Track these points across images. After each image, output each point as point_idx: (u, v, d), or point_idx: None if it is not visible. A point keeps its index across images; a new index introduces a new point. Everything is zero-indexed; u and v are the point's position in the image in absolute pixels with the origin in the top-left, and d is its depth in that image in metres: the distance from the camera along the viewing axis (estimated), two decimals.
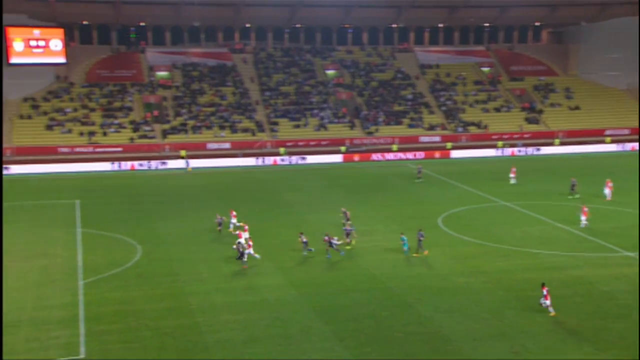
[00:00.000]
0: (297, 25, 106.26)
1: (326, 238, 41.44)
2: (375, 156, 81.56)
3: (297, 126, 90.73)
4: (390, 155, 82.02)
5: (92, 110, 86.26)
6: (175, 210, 54.09)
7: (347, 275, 38.54)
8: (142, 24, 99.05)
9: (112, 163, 73.02)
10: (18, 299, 34.16)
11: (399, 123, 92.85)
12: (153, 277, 37.73)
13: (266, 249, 42.70)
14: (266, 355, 28.73)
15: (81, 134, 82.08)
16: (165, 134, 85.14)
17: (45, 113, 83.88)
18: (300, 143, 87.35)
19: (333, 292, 35.94)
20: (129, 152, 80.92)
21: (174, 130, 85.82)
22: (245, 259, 39.58)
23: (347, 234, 43.51)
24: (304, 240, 41.91)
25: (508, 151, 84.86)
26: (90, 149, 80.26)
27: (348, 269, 39.69)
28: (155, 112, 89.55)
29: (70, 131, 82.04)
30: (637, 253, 41.27)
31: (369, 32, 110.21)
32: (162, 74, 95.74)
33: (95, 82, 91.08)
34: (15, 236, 45.36)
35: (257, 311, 33.50)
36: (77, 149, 79.85)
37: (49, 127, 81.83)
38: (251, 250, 40.31)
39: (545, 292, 32.00)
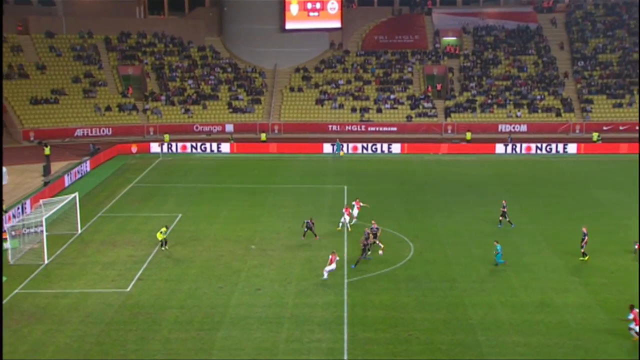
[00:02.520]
0: None
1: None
2: None
3: (619, 105, 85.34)
4: None
5: (367, 82, 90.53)
6: (456, 203, 54.55)
7: None
8: None
9: (383, 144, 75.87)
10: (280, 293, 37.32)
11: None
12: (427, 282, 38.51)
13: (566, 259, 41.07)
14: None
15: (353, 109, 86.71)
16: (448, 112, 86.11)
17: (316, 85, 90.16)
18: (621, 127, 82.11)
19: None
20: (404, 133, 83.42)
21: (459, 108, 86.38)
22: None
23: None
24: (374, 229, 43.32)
25: None
26: (362, 128, 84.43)
27: None
28: (438, 86, 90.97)
29: (341, 106, 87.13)
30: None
31: None
32: (449, 39, 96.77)
33: (372, 49, 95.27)
34: (280, 223, 49.53)
35: (554, 335, 32.51)
36: (348, 127, 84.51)
37: (320, 102, 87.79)
38: (331, 267, 39.16)
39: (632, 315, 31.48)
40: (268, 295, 37.02)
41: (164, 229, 43.99)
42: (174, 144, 75.12)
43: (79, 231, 47.29)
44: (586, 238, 41.67)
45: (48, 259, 41.87)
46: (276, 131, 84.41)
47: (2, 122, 76.13)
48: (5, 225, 44.87)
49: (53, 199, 49.10)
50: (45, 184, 58.84)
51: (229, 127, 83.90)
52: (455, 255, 42.94)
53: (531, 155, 73.69)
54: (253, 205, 54.06)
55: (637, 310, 31.99)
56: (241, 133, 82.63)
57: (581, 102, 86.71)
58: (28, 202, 51.32)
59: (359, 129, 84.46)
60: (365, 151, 74.96)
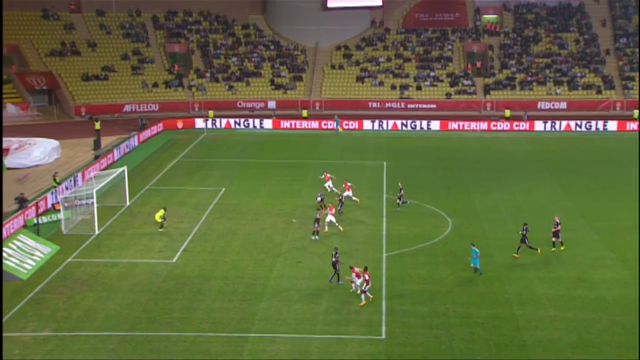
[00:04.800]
0: None
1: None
2: None
3: None
4: None
5: (407, 60, 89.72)
6: (494, 180, 54.07)
7: None
8: None
9: (422, 121, 75.19)
10: (320, 266, 37.51)
11: None
12: (464, 256, 38.30)
13: (606, 236, 40.62)
14: None
15: (393, 87, 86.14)
16: (487, 89, 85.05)
17: (357, 63, 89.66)
18: None
19: None
20: (444, 110, 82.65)
21: (498, 86, 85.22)
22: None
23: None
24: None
25: None
26: (402, 105, 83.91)
27: None
28: (478, 64, 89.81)
29: (381, 84, 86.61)
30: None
31: None
32: (489, 17, 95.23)
33: (412, 27, 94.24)
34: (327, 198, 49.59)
35: (590, 310, 32.25)
36: (388, 104, 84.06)
37: (360, 79, 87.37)
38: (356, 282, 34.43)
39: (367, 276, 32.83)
40: (308, 268, 37.28)
41: (162, 211, 43.24)
42: (218, 120, 75.57)
43: (128, 203, 48.07)
44: (559, 227, 39.35)
45: (98, 229, 42.72)
46: (317, 108, 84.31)
47: (1, 119, 75.75)
48: (59, 197, 45.93)
49: (103, 172, 50.09)
50: (96, 157, 59.76)
51: (271, 104, 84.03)
52: (492, 230, 42.69)
53: (571, 133, 72.48)
54: (294, 180, 54.29)
55: (357, 269, 33.83)
56: (283, 110, 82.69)
57: (622, 79, 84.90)
58: (80, 175, 52.27)
59: (398, 106, 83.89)
60: (404, 128, 74.48)
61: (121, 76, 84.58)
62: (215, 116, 76.66)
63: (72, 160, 60.15)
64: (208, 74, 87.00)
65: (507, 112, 78.23)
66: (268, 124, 75.48)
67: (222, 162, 60.59)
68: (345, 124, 74.51)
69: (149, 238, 41.73)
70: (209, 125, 74.58)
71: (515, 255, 38.46)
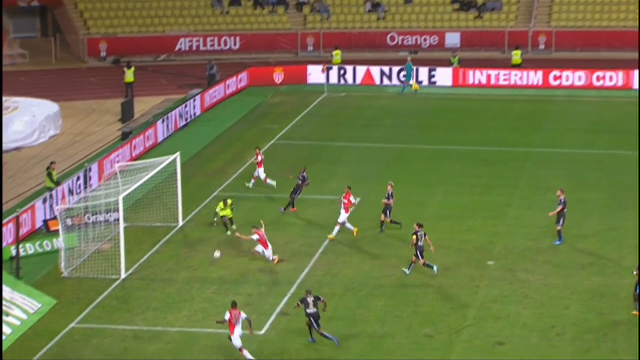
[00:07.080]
0: None
1: None
2: None
3: None
4: None
5: None
6: None
7: None
8: None
9: None
10: (544, 351, 36.24)
11: None
12: None
13: None
14: None
15: None
16: None
17: None
18: None
19: None
20: None
21: None
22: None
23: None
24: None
25: None
26: None
27: None
28: None
29: None
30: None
31: None
32: None
33: None
34: (543, 220, 47.83)
35: None
36: None
37: None
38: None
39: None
40: (518, 354, 36.23)
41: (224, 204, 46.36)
42: (349, 69, 75.85)
43: (181, 223, 48.35)
44: None
45: (127, 270, 42.66)
46: (542, 47, 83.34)
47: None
48: (57, 208, 45.80)
49: (137, 163, 50.11)
50: (126, 135, 60.25)
51: (453, 38, 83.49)
52: None
53: None
54: (493, 186, 53.65)
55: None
56: (473, 50, 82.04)
57: None
58: (95, 167, 52.85)
59: None
60: None
61: None
62: (345, 62, 76.57)
63: (83, 141, 61.42)
64: None
65: None
66: (444, 76, 75.68)
67: (356, 148, 60.72)
68: (598, 78, 72.61)
69: (219, 288, 41.48)
70: (334, 78, 74.73)
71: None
